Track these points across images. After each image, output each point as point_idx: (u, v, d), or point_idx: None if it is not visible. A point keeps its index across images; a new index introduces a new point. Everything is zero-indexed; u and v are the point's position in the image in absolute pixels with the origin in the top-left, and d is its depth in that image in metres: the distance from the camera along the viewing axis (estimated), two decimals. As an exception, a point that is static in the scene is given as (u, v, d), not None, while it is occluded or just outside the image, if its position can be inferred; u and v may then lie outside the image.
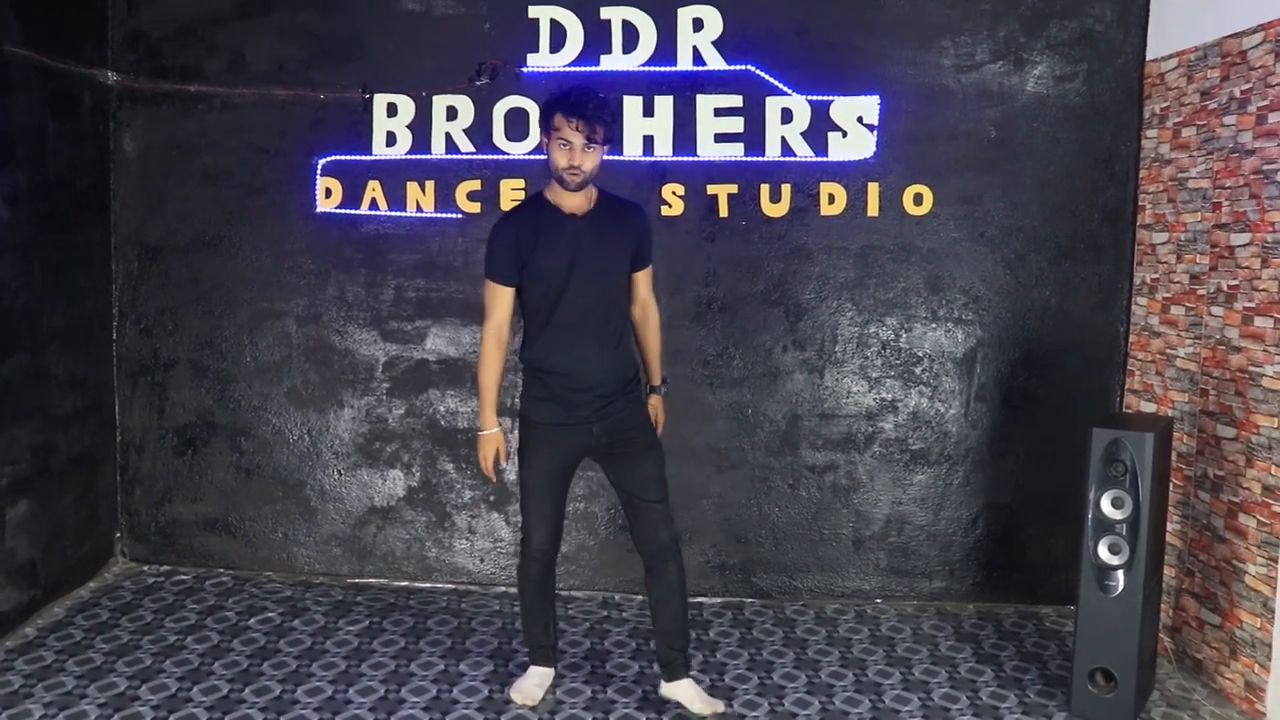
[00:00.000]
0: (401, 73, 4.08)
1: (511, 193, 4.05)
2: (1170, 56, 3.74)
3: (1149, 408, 3.82)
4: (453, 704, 3.23)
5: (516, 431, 3.23)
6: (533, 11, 4.00)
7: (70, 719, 3.06)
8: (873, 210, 4.00)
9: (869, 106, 3.96)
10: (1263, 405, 3.18)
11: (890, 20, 3.97)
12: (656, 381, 3.29)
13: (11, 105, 3.58)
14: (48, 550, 3.84)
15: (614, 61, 3.99)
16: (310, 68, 4.12)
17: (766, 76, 3.96)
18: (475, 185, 4.08)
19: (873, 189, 4.00)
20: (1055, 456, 4.00)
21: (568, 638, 3.72)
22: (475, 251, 4.09)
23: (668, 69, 3.98)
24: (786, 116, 3.97)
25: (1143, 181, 3.92)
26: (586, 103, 2.88)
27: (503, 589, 4.21)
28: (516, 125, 4.04)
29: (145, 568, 4.32)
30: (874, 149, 3.97)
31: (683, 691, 3.17)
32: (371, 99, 4.09)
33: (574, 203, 2.99)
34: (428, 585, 4.24)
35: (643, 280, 3.16)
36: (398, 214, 4.12)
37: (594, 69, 3.99)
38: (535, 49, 4.01)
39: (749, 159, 3.99)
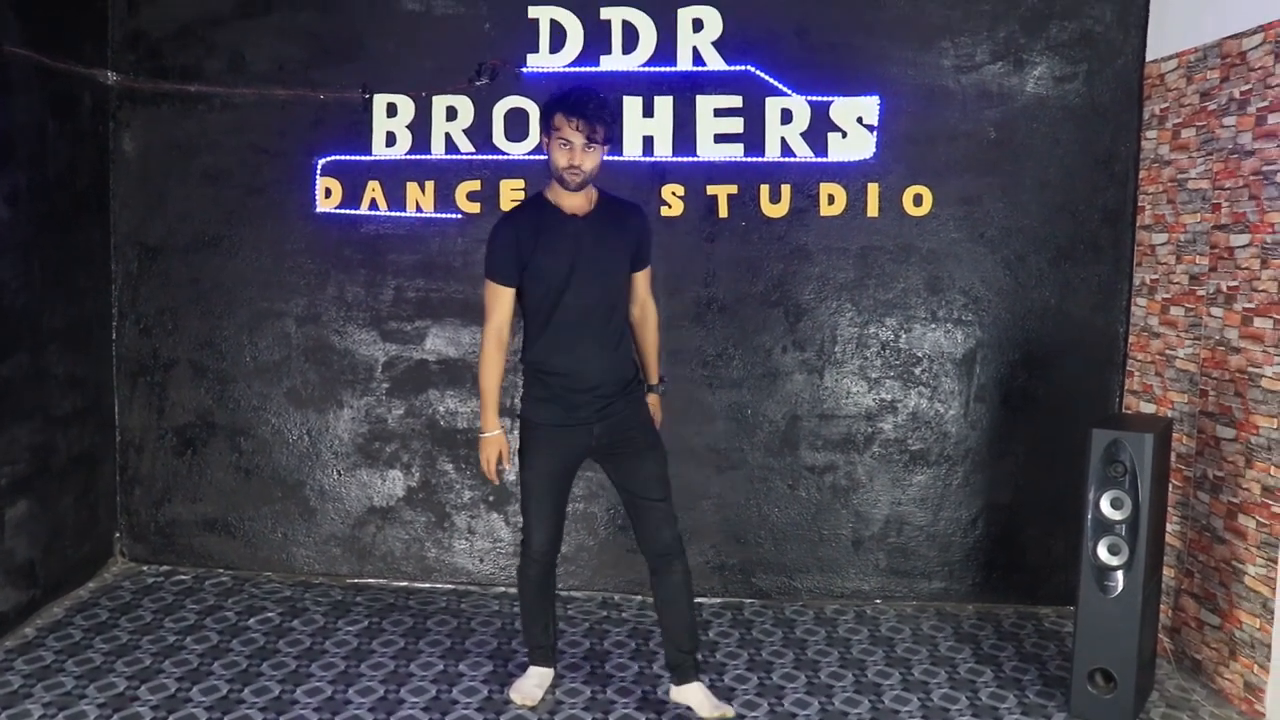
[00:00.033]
0: (401, 73, 4.08)
1: (511, 193, 4.05)
2: (1170, 57, 3.74)
3: (1148, 408, 3.82)
4: (452, 704, 3.23)
5: (516, 433, 3.23)
6: (532, 12, 4.00)
7: (69, 719, 3.06)
8: (872, 211, 4.01)
9: (869, 107, 3.96)
10: (1262, 406, 3.18)
11: (890, 21, 3.97)
12: (654, 381, 3.29)
13: (11, 105, 3.58)
14: (47, 550, 3.84)
15: (614, 62, 3.99)
16: (310, 68, 4.12)
17: (766, 77, 3.97)
18: (475, 185, 4.08)
19: (872, 189, 4.00)
20: (1055, 457, 4.00)
21: (567, 638, 3.72)
22: (475, 252, 4.09)
23: (667, 69, 3.98)
24: (786, 117, 3.97)
25: (1142, 182, 3.93)
26: (587, 102, 2.87)
27: (502, 589, 4.21)
28: (516, 125, 4.04)
29: (145, 568, 4.32)
30: (874, 149, 3.97)
31: (692, 696, 3.12)
32: (371, 99, 4.09)
33: (575, 203, 2.99)
34: (427, 585, 4.24)
35: (642, 281, 3.16)
36: (397, 214, 4.12)
37: (594, 69, 3.99)
38: (535, 49, 4.02)
39: (749, 159, 4.00)
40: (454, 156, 4.08)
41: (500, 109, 4.04)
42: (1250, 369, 3.24)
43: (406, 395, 4.21)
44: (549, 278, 2.96)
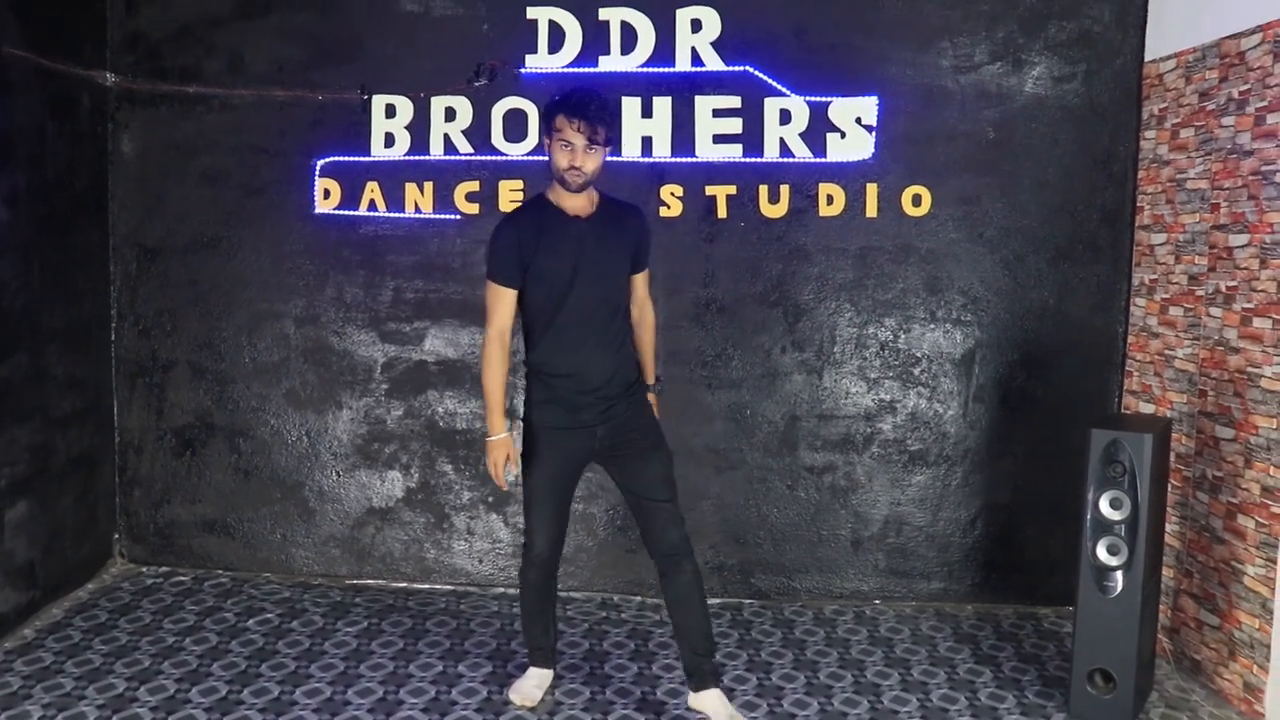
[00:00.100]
0: (400, 74, 4.08)
1: (510, 194, 4.05)
2: (1169, 57, 3.74)
3: (1147, 409, 3.82)
4: (451, 705, 3.23)
5: (519, 436, 3.22)
6: (531, 12, 4.00)
7: (68, 720, 3.07)
8: (871, 211, 4.01)
9: (867, 107, 3.96)
10: (1261, 406, 3.18)
11: (889, 21, 3.97)
12: (651, 381, 3.28)
13: (10, 107, 3.58)
14: (46, 551, 3.84)
15: (612, 62, 3.99)
16: (309, 69, 4.12)
17: (765, 77, 3.97)
18: (474, 186, 4.08)
19: (871, 190, 4.00)
20: (1054, 457, 4.00)
21: (566, 639, 3.72)
22: (474, 253, 4.10)
23: (666, 70, 3.98)
24: (785, 117, 3.97)
25: (1141, 182, 3.93)
26: (588, 104, 2.87)
27: (501, 590, 4.21)
28: (515, 126, 4.04)
29: (144, 569, 4.32)
30: (872, 150, 3.97)
31: (709, 703, 3.03)
32: (370, 100, 4.09)
33: (576, 204, 2.98)
34: (426, 586, 4.24)
35: (640, 282, 3.16)
36: (396, 215, 4.12)
37: (592, 70, 3.99)
38: (534, 50, 4.02)
39: (747, 160, 4.00)
40: (453, 157, 4.08)
41: (499, 110, 4.04)
42: (1249, 369, 3.24)
43: (405, 396, 4.21)
44: (552, 279, 2.95)
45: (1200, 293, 3.51)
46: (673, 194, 4.03)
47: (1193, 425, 3.52)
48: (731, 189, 4.02)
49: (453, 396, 4.20)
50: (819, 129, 3.97)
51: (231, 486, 4.29)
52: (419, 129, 4.08)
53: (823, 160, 3.98)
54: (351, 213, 4.13)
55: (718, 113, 3.99)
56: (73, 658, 3.46)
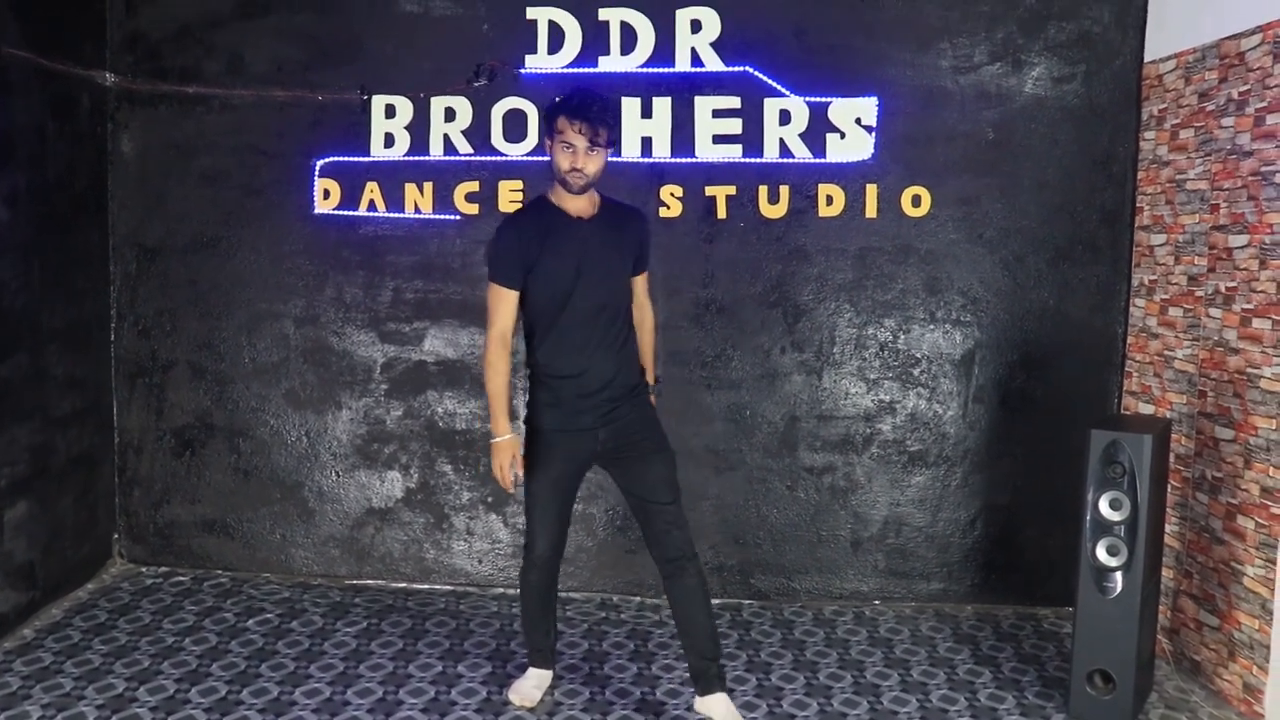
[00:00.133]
0: (399, 74, 4.08)
1: (510, 194, 4.05)
2: (1168, 58, 3.74)
3: (1147, 409, 3.82)
4: (451, 705, 3.23)
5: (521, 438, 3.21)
6: (531, 13, 4.00)
7: (68, 721, 3.07)
8: (871, 212, 4.01)
9: (867, 108, 3.96)
10: (1261, 407, 3.18)
11: (888, 22, 3.97)
12: (651, 381, 3.28)
13: (10, 107, 3.58)
14: (46, 551, 3.84)
15: (612, 63, 3.99)
16: (308, 69, 4.12)
17: (765, 78, 3.97)
18: (473, 187, 4.08)
19: (871, 190, 4.00)
20: (1053, 458, 4.00)
21: (566, 639, 3.72)
22: (473, 253, 4.10)
23: (666, 70, 3.98)
24: (785, 118, 3.97)
25: (1141, 183, 3.93)
26: (590, 105, 2.86)
27: (501, 590, 4.21)
28: (515, 126, 4.04)
29: (143, 569, 4.32)
30: (872, 150, 3.97)
31: (716, 708, 3.01)
32: (369, 100, 4.09)
33: (579, 206, 2.97)
34: (426, 587, 4.24)
35: (640, 284, 3.16)
36: (396, 215, 4.12)
37: (592, 70, 3.99)
38: (533, 50, 4.02)
39: (747, 160, 4.00)
40: (452, 158, 4.08)
41: (499, 110, 4.04)
42: (1249, 370, 3.24)
43: (405, 396, 4.21)
44: (556, 280, 2.94)
45: (1200, 293, 3.51)
46: (672, 194, 4.03)
47: (1192, 426, 3.52)
48: (731, 189, 4.02)
49: (452, 397, 4.20)
50: (819, 129, 3.97)
51: (231, 487, 4.29)
52: (419, 129, 4.08)
53: (822, 161, 3.99)
54: (351, 213, 4.13)
55: (717, 113, 3.99)
56: (72, 658, 3.46)
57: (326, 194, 4.13)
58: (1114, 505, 3.12)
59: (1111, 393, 4.03)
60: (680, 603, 3.03)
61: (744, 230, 4.04)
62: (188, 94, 4.17)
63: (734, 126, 3.98)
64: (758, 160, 3.99)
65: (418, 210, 4.11)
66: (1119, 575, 3.12)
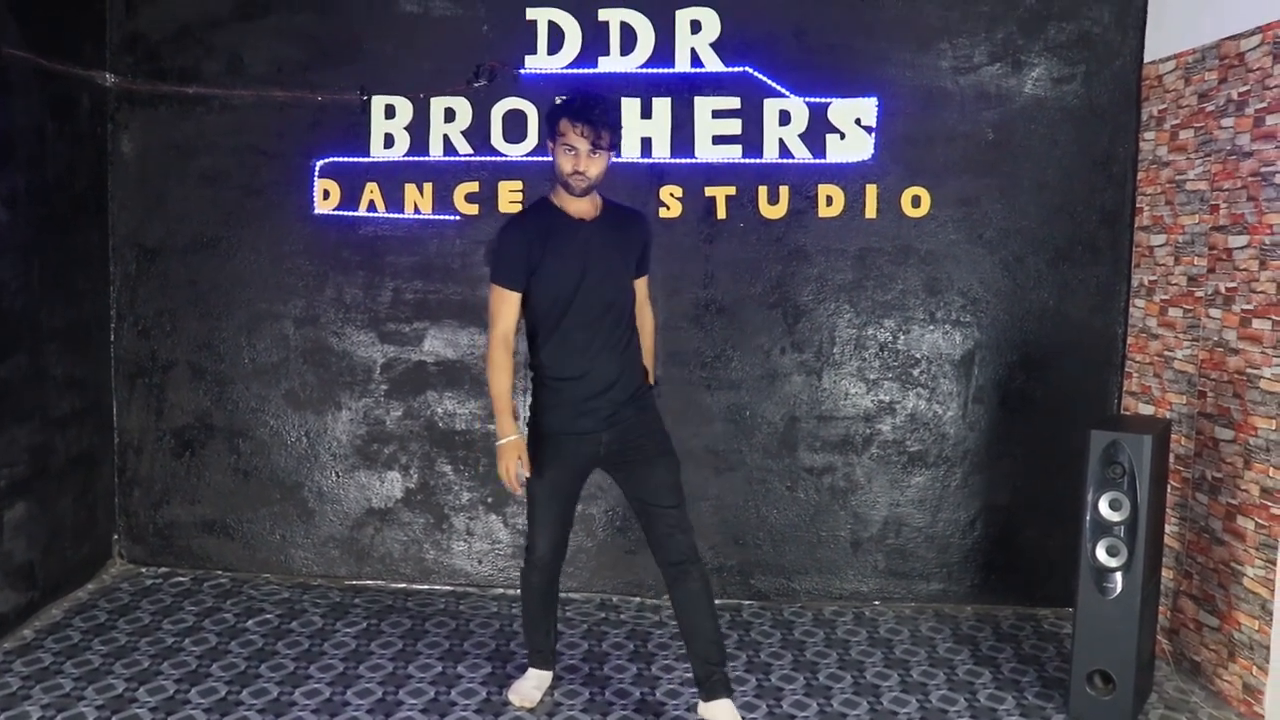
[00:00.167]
0: (399, 74, 4.08)
1: (509, 194, 4.05)
2: (1168, 59, 3.74)
3: (1147, 410, 3.82)
4: (451, 706, 3.23)
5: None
6: (530, 13, 4.00)
7: (67, 721, 3.07)
8: (870, 212, 4.01)
9: (867, 108, 3.96)
10: (1260, 407, 3.18)
11: (888, 22, 3.97)
12: (650, 382, 3.28)
13: (10, 107, 3.58)
14: (46, 552, 3.84)
15: (612, 63, 3.99)
16: (308, 69, 4.12)
17: (764, 78, 3.97)
18: (473, 187, 4.08)
19: (870, 191, 4.00)
20: (1053, 458, 4.00)
21: (565, 640, 3.72)
22: (473, 253, 4.10)
23: (666, 71, 3.98)
24: (784, 118, 3.97)
25: (1140, 183, 3.93)
26: (592, 107, 2.85)
27: (501, 591, 4.21)
28: (514, 127, 4.04)
29: (143, 569, 4.32)
30: (872, 151, 3.97)
31: (720, 714, 2.98)
32: (369, 101, 4.09)
33: (581, 208, 2.96)
34: (425, 587, 4.24)
35: (641, 287, 3.15)
36: (395, 216, 4.12)
37: (592, 71, 3.99)
38: (533, 51, 4.02)
39: (747, 161, 4.00)
40: (452, 158, 4.08)
41: (498, 110, 4.04)
42: (1249, 370, 3.24)
43: (405, 397, 4.21)
44: (560, 282, 2.92)
45: (1200, 294, 3.51)
46: (672, 195, 4.03)
47: (1192, 426, 3.52)
48: (731, 190, 4.02)
49: (452, 397, 4.20)
50: (818, 130, 3.97)
51: (231, 487, 4.29)
52: (418, 130, 4.08)
53: (822, 161, 3.99)
54: (351, 213, 4.13)
55: (717, 114, 3.99)
56: (72, 658, 3.46)
57: (326, 194, 4.13)
58: (1114, 506, 3.12)
59: (1111, 393, 4.03)
60: (684, 607, 3.01)
61: (744, 231, 4.04)
62: (188, 94, 4.17)
63: (734, 127, 3.98)
64: (757, 161, 3.99)
65: (417, 211, 4.11)
66: (1119, 576, 3.12)
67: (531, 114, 4.02)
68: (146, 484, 4.33)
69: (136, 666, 3.42)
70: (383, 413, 4.22)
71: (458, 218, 4.10)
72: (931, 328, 4.06)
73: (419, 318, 4.18)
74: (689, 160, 4.01)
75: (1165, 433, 3.29)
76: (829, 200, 4.01)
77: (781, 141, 3.98)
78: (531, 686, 3.28)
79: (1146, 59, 3.89)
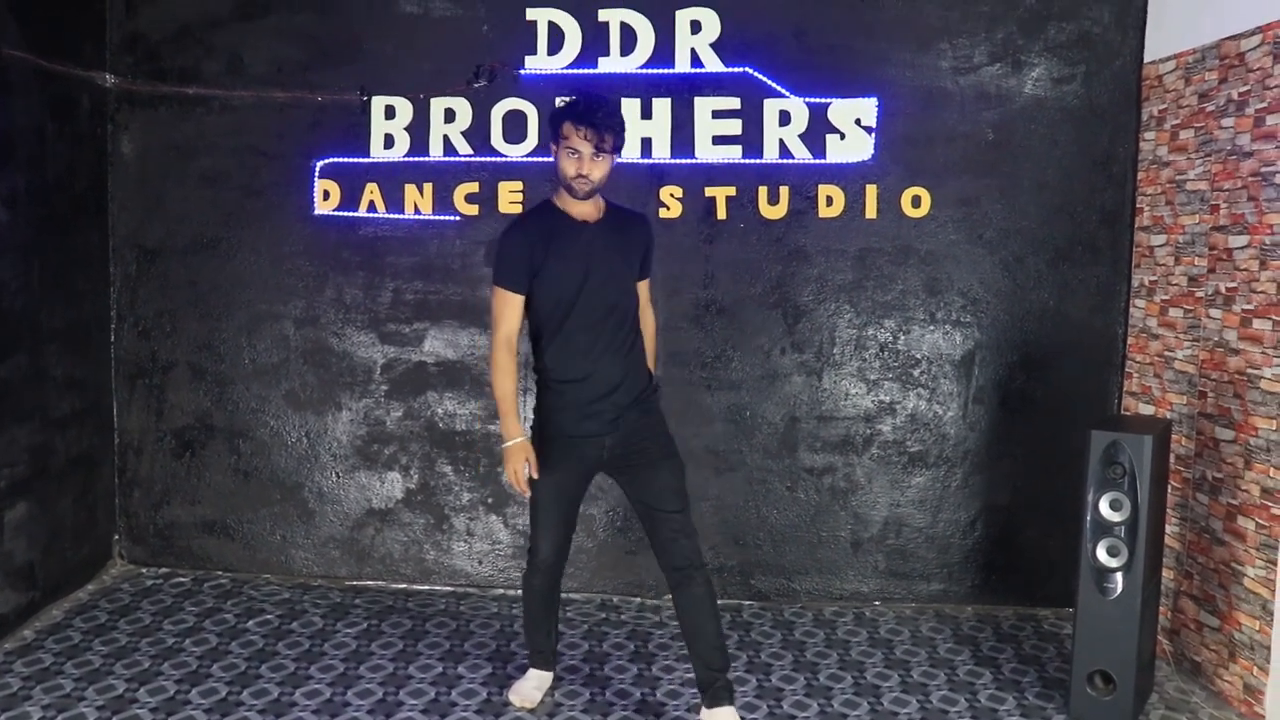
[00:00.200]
0: (399, 75, 4.08)
1: (509, 195, 4.05)
2: (1168, 59, 3.74)
3: (1147, 410, 3.82)
4: (451, 706, 3.23)
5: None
6: (530, 14, 4.00)
7: (68, 722, 3.07)
8: (871, 212, 4.01)
9: (867, 109, 3.96)
10: (1261, 408, 3.18)
11: (888, 22, 3.97)
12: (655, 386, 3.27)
13: (10, 108, 3.58)
14: (46, 552, 3.84)
15: (612, 64, 3.99)
16: (308, 70, 4.12)
17: (764, 79, 3.97)
18: (473, 188, 4.08)
19: (871, 191, 4.00)
20: (1053, 459, 4.00)
21: (566, 640, 3.72)
22: (473, 254, 4.10)
23: (666, 71, 3.98)
24: (784, 119, 3.97)
25: (1141, 184, 3.93)
26: (596, 110, 2.83)
27: (501, 591, 4.21)
28: (514, 127, 4.04)
29: (143, 570, 4.32)
30: (872, 151, 3.97)
31: None
32: (369, 101, 4.09)
33: (584, 210, 2.95)
34: (426, 588, 4.24)
35: (643, 289, 3.13)
36: (396, 216, 4.12)
37: (592, 71, 3.99)
38: (533, 51, 4.02)
39: (747, 161, 4.00)
40: (452, 158, 4.08)
41: (498, 111, 4.04)
42: (1249, 370, 3.24)
43: (405, 397, 4.21)
44: (562, 284, 2.91)
45: (1200, 294, 3.51)
46: (672, 195, 4.03)
47: (1193, 427, 3.52)
48: (731, 190, 4.02)
49: (452, 398, 4.20)
50: (818, 130, 3.97)
51: (231, 488, 4.29)
52: (418, 130, 4.08)
53: (822, 161, 3.98)
54: (351, 214, 4.13)
55: (717, 114, 3.99)
56: (72, 659, 3.46)
57: (326, 195, 4.13)
58: (1114, 506, 3.12)
59: (1112, 393, 4.03)
60: (687, 613, 2.99)
61: (744, 231, 4.04)
62: (187, 95, 4.17)
63: (734, 127, 3.98)
64: (758, 161, 3.99)
65: (417, 211, 4.11)
66: (1119, 576, 3.12)
67: (531, 114, 4.02)
68: (147, 484, 4.33)
69: (137, 667, 3.42)
70: (383, 413, 4.22)
71: (458, 218, 4.10)
72: (932, 328, 4.06)
73: (419, 318, 4.18)
74: (689, 161, 4.01)
75: (1166, 433, 3.29)
76: (829, 200, 4.01)
77: (781, 142, 3.98)
78: (532, 687, 3.28)
79: (1146, 59, 3.89)
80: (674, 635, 3.72)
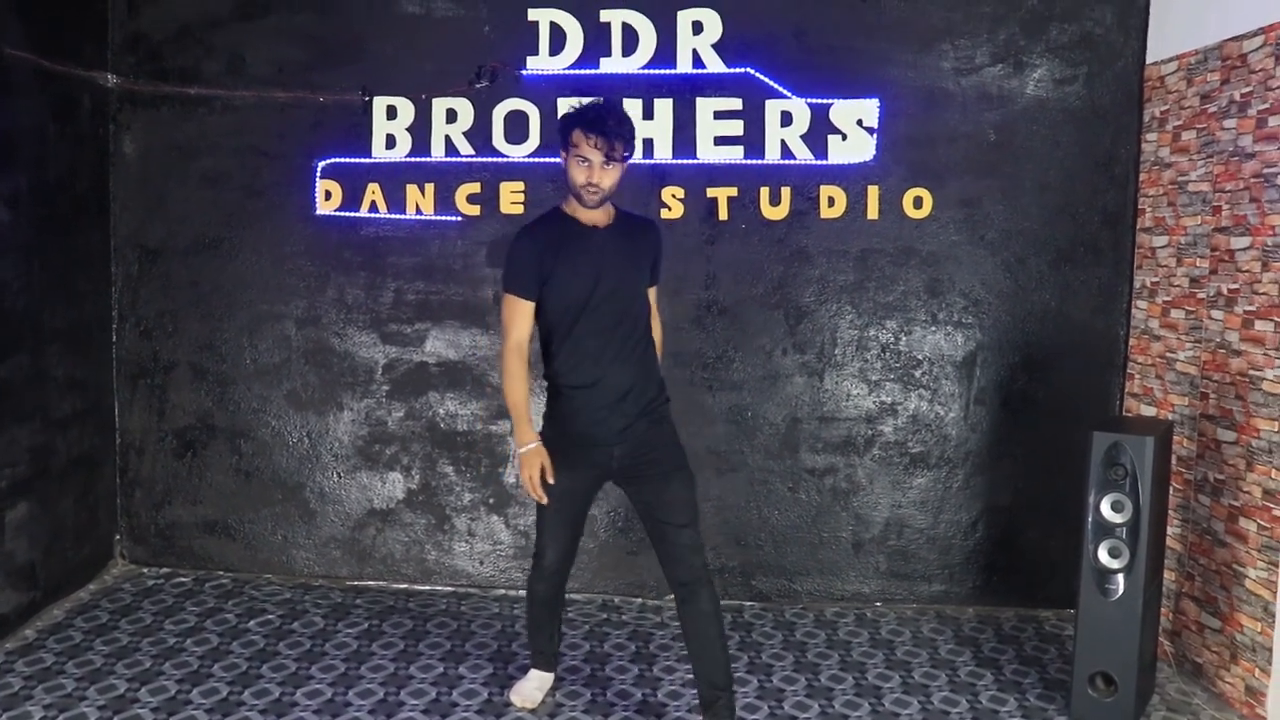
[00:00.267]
0: (401, 75, 4.08)
1: (511, 195, 4.05)
2: (1170, 60, 3.74)
3: (1149, 411, 3.82)
4: (452, 706, 3.23)
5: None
6: (532, 14, 4.00)
7: (69, 722, 3.07)
8: (872, 213, 4.00)
9: (869, 109, 3.96)
10: (1263, 409, 3.18)
11: (890, 23, 3.97)
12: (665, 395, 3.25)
13: (12, 108, 3.59)
14: (47, 552, 3.84)
15: (613, 64, 3.99)
16: (310, 70, 4.12)
17: (766, 79, 3.96)
18: (475, 188, 4.08)
19: (872, 192, 4.00)
20: (1055, 460, 4.00)
21: (567, 641, 3.72)
22: (475, 254, 4.10)
23: (667, 72, 3.98)
24: (786, 119, 3.97)
25: (1143, 185, 3.92)
26: (606, 118, 2.81)
27: (502, 592, 4.21)
28: (516, 128, 4.04)
29: (145, 570, 4.32)
30: (874, 152, 3.97)
31: None
32: (371, 101, 4.09)
33: (594, 216, 2.93)
34: (427, 588, 4.24)
35: (652, 295, 3.13)
36: (397, 216, 4.12)
37: (593, 72, 3.99)
38: (535, 51, 4.01)
39: (749, 162, 3.99)
40: (454, 159, 4.08)
41: (500, 111, 4.03)
42: (1251, 372, 3.24)
43: (406, 398, 4.21)
44: (572, 290, 2.89)
45: (1202, 295, 3.51)
46: (674, 196, 4.03)
47: (1194, 428, 3.52)
48: (733, 191, 4.01)
49: (454, 398, 4.20)
50: (820, 131, 3.97)
51: (232, 488, 4.29)
52: (420, 130, 4.08)
53: (824, 162, 3.98)
54: (352, 214, 4.13)
55: (719, 115, 3.99)
56: (74, 658, 3.46)
57: (328, 195, 4.13)
58: (1116, 507, 3.12)
59: (1113, 395, 4.03)
60: (692, 630, 2.95)
61: (745, 232, 4.04)
62: (189, 95, 4.17)
63: (735, 128, 3.98)
64: (759, 162, 3.99)
65: (419, 211, 4.11)
66: (1121, 577, 3.12)
67: (533, 115, 4.02)
68: (148, 484, 4.33)
69: (138, 667, 3.42)
70: (384, 413, 4.22)
71: (459, 218, 4.10)
72: (933, 329, 4.06)
73: (421, 318, 4.18)
74: (691, 161, 4.01)
75: (1167, 434, 3.29)
76: (831, 201, 4.01)
77: (783, 142, 3.97)
78: (533, 687, 3.28)
79: (1149, 60, 3.89)
80: (675, 636, 3.72)
